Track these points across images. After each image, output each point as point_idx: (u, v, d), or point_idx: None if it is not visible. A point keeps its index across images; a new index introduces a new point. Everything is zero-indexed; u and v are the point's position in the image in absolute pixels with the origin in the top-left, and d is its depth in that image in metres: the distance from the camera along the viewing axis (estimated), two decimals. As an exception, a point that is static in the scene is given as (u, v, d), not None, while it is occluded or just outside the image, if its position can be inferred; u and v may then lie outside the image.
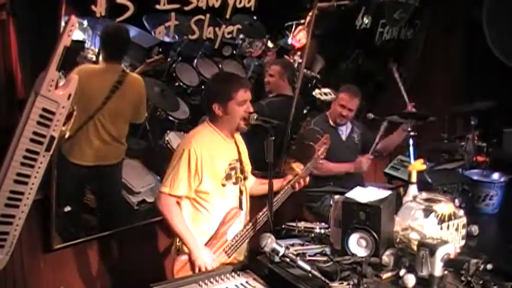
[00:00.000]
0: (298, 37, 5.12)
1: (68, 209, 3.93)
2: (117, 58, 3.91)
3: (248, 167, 3.58)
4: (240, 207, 3.46)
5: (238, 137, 3.54)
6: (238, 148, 3.49)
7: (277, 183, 3.58)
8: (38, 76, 2.65)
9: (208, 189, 3.32)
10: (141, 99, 4.10)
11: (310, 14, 4.91)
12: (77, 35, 3.56)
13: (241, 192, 3.48)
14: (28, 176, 2.77)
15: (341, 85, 4.87)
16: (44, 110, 2.68)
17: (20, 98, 3.25)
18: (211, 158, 3.30)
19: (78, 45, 3.64)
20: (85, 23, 3.61)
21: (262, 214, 3.40)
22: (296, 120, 5.15)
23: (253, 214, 3.49)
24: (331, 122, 4.77)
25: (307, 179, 3.65)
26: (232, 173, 3.40)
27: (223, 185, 3.36)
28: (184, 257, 3.30)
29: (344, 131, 4.84)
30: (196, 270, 3.26)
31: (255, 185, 3.70)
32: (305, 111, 5.51)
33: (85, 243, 4.11)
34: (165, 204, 3.28)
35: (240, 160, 3.47)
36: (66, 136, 3.75)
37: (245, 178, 3.52)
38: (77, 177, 4.03)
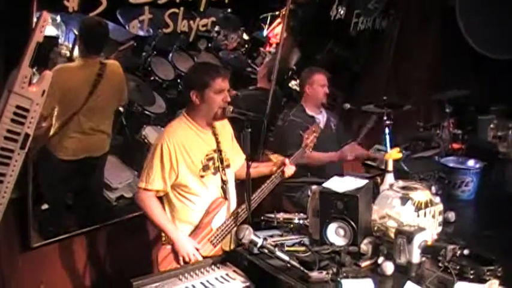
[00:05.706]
0: (276, 31, 5.10)
1: (45, 206, 3.91)
2: (97, 51, 3.90)
3: (230, 154, 3.54)
4: (225, 197, 3.46)
5: (221, 124, 3.50)
6: (217, 137, 3.47)
7: (267, 167, 3.68)
8: (10, 73, 2.62)
9: (187, 182, 3.35)
10: (123, 82, 4.13)
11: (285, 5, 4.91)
12: (50, 30, 3.53)
13: (223, 181, 3.46)
14: (3, 175, 2.73)
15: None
16: (18, 107, 2.64)
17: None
18: (187, 151, 3.31)
19: (52, 41, 3.61)
20: (58, 18, 3.58)
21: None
22: (274, 112, 5.14)
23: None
24: (308, 112, 4.74)
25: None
26: (210, 163, 3.40)
27: (202, 176, 3.37)
28: (169, 247, 3.36)
29: (321, 120, 4.78)
30: (180, 260, 3.31)
31: (242, 168, 3.60)
32: (282, 103, 5.51)
33: (64, 240, 4.09)
34: (142, 198, 3.35)
35: (218, 150, 3.45)
36: (51, 133, 3.80)
37: (227, 166, 3.50)
38: (62, 173, 4.02)
